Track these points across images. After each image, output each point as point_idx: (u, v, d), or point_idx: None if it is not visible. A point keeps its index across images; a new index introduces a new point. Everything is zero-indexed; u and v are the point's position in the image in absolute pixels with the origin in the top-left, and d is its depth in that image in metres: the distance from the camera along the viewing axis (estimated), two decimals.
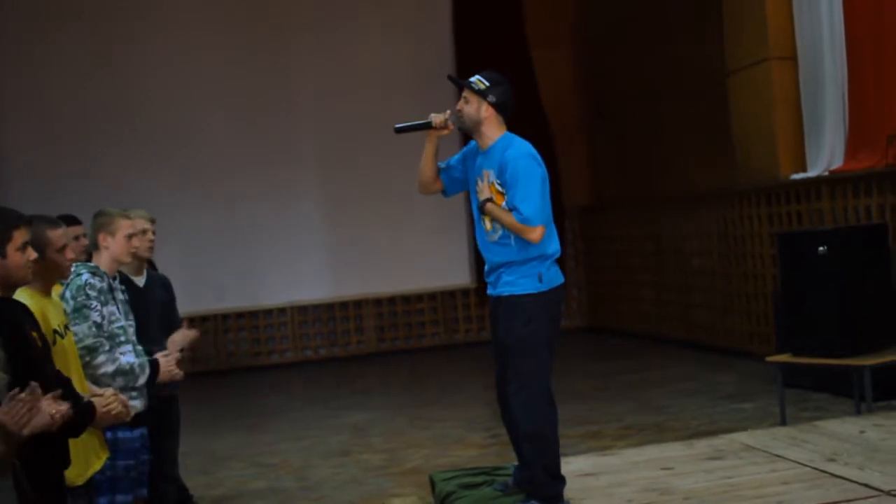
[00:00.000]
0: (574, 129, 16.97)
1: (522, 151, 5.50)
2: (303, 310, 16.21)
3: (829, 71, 10.90)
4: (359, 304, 16.38)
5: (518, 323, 5.43)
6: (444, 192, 5.94)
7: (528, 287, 5.45)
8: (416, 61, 16.38)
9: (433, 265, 16.34)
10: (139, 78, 15.48)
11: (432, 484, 6.43)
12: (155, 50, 15.58)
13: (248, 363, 15.81)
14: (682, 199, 13.90)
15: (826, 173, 10.79)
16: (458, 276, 16.55)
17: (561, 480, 5.48)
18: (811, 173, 11.06)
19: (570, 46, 17.23)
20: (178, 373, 5.45)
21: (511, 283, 5.47)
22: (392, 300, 16.49)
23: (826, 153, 10.93)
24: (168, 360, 5.39)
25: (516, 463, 5.96)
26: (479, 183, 5.56)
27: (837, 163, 10.79)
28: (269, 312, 16.10)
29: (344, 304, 16.32)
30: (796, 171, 11.34)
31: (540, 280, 5.45)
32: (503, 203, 5.44)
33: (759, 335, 11.93)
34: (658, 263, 14.76)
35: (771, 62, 11.63)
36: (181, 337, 6.08)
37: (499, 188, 5.46)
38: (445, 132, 5.66)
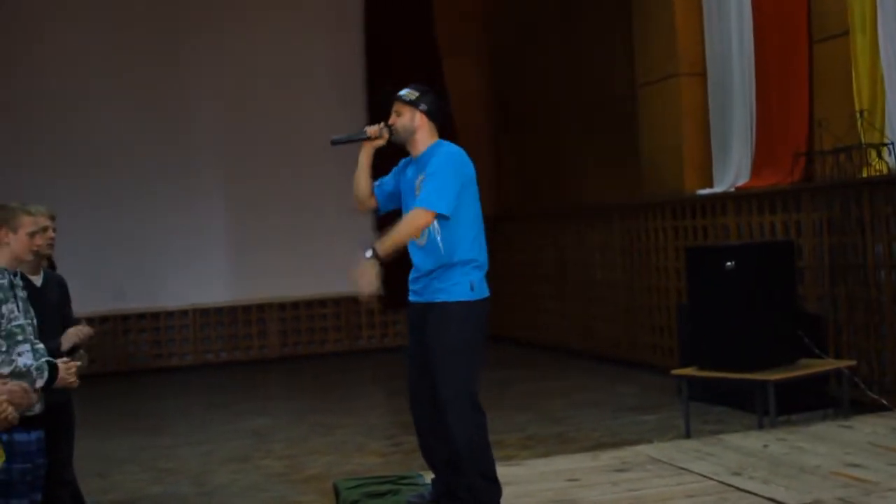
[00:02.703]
0: (481, 139, 16.95)
1: (450, 150, 5.54)
2: (205, 312, 16.03)
3: (738, 88, 11.03)
4: (262, 307, 16.23)
5: (450, 330, 5.38)
6: (378, 210, 5.89)
7: (460, 295, 5.40)
8: (324, 66, 16.35)
9: (337, 270, 16.10)
10: (36, 75, 15.18)
11: (336, 492, 6.34)
12: (53, 47, 15.28)
13: (148, 365, 15.58)
14: (587, 211, 13.97)
15: (732, 189, 10.91)
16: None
17: (497, 484, 5.43)
18: (717, 189, 11.18)
19: (480, 56, 17.29)
20: (74, 381, 5.25)
21: (444, 290, 5.41)
22: (295, 305, 16.37)
23: (732, 169, 11.04)
24: (68, 367, 5.21)
25: (423, 472, 5.89)
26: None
27: (743, 179, 10.91)
28: (170, 314, 15.88)
29: (247, 308, 16.16)
30: (702, 187, 11.46)
31: (472, 288, 5.41)
32: None
33: (661, 348, 12.02)
34: (561, 275, 14.81)
35: (680, 77, 11.73)
36: (75, 332, 5.93)
37: (419, 183, 5.45)
38: (380, 142, 5.63)
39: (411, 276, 5.59)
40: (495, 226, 16.63)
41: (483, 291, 5.49)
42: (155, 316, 15.81)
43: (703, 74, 11.66)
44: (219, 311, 16.10)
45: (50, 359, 5.08)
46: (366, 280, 5.15)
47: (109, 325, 15.37)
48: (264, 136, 15.94)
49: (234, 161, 15.99)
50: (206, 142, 15.90)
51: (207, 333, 16.09)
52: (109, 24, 15.57)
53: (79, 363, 5.31)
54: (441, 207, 5.34)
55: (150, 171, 15.56)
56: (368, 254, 5.16)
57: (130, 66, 15.53)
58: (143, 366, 15.50)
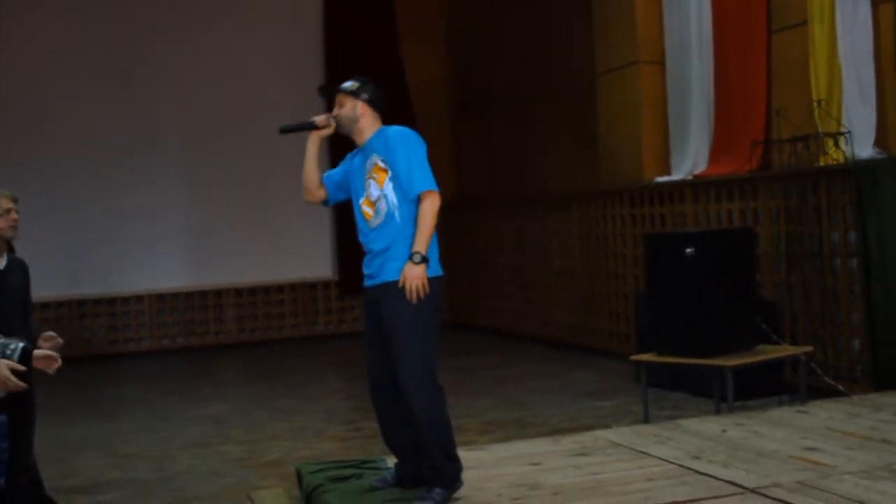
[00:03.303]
0: (440, 124, 17.01)
1: (401, 129, 5.60)
2: (161, 298, 15.97)
3: (696, 77, 11.12)
4: (218, 293, 16.20)
5: (405, 307, 5.39)
6: (327, 201, 5.94)
7: None
8: (284, 50, 16.35)
9: (295, 256, 16.25)
10: None
11: (299, 476, 6.34)
12: (13, 29, 15.17)
13: (104, 350, 15.49)
14: (546, 198, 14.02)
15: (690, 177, 10.99)
16: (320, 268, 16.48)
17: (458, 462, 5.46)
18: (675, 176, 11.26)
19: (440, 41, 17.35)
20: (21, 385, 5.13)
21: (399, 269, 5.43)
22: (252, 291, 16.36)
23: (690, 157, 11.14)
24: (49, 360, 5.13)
25: (385, 457, 5.91)
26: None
27: (701, 167, 11.01)
28: (126, 300, 15.81)
29: (203, 294, 16.13)
30: (661, 174, 11.55)
31: (427, 265, 5.44)
32: (386, 177, 5.46)
33: (618, 334, 12.10)
34: (520, 261, 14.86)
35: (639, 65, 11.81)
36: (52, 344, 5.88)
37: (382, 165, 5.48)
38: (328, 131, 5.73)
39: (364, 261, 5.61)
40: (455, 211, 16.77)
41: (436, 269, 5.52)
42: (111, 301, 15.74)
43: (662, 63, 11.75)
44: (175, 296, 16.05)
45: (26, 343, 5.04)
46: (418, 280, 5.34)
47: (65, 311, 15.29)
48: (222, 122, 15.91)
49: (193, 146, 15.94)
50: (165, 126, 15.83)
51: (164, 319, 16.04)
52: (67, 4, 15.45)
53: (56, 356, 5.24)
54: (435, 185, 5.45)
55: (107, 154, 15.47)
56: (417, 259, 5.34)
57: (89, 48, 15.46)
58: (99, 351, 15.40)
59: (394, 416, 5.55)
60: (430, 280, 5.43)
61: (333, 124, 5.72)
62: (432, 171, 5.51)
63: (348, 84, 5.72)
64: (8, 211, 5.69)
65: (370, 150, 5.58)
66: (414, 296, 5.31)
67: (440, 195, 5.45)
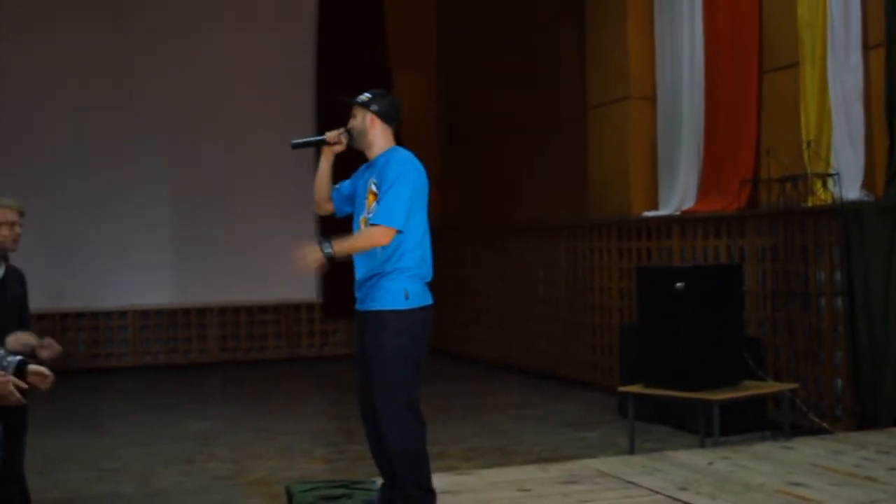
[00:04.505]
0: (428, 152, 16.95)
1: (403, 157, 5.62)
2: (144, 314, 15.97)
3: (687, 113, 11.23)
4: (202, 311, 16.20)
5: (383, 337, 5.46)
6: (335, 213, 6.01)
7: (394, 303, 5.48)
8: (276, 72, 16.39)
9: (279, 277, 16.21)
10: None
11: (289, 495, 6.39)
12: None
13: (86, 365, 15.46)
14: (532, 229, 14.10)
15: (678, 213, 11.09)
16: (304, 290, 16.49)
17: (432, 495, 5.52)
18: (663, 212, 11.36)
19: (430, 70, 17.46)
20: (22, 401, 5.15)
21: (378, 299, 5.49)
22: (236, 310, 16.37)
23: (679, 193, 11.23)
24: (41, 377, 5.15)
25: (375, 479, 5.97)
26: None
27: (689, 203, 11.10)
28: (108, 315, 15.80)
29: (187, 311, 16.13)
30: (648, 209, 11.64)
31: (406, 297, 5.48)
32: (374, 202, 5.52)
33: (602, 366, 12.17)
34: (503, 290, 14.92)
35: (630, 101, 11.92)
36: (50, 353, 5.92)
37: (374, 189, 5.55)
38: (339, 148, 5.79)
39: (355, 284, 5.68)
40: (440, 238, 16.76)
41: (420, 300, 5.54)
42: (94, 315, 15.73)
43: (652, 99, 11.85)
44: (158, 313, 16.05)
45: (21, 358, 5.05)
46: (309, 258, 5.38)
47: (47, 324, 15.22)
48: (210, 140, 15.95)
49: (179, 163, 15.96)
50: (152, 142, 15.84)
51: (146, 335, 16.03)
52: (54, 16, 15.49)
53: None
54: (398, 223, 5.45)
55: (92, 168, 15.48)
56: (325, 248, 5.36)
57: (76, 61, 15.48)
58: (81, 366, 15.36)
59: (377, 439, 5.61)
60: (410, 311, 5.49)
61: (345, 140, 5.77)
62: (420, 207, 5.55)
63: (362, 96, 5.75)
64: (13, 224, 5.74)
65: (377, 168, 5.63)
66: (295, 266, 5.43)
67: (391, 232, 5.44)
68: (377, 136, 5.71)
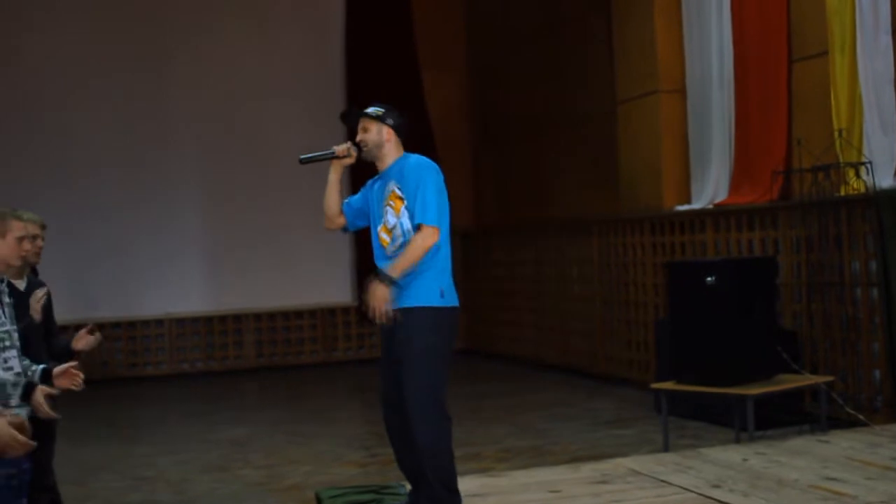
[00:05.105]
0: (460, 153, 17.07)
1: (421, 160, 5.70)
2: (181, 322, 15.98)
3: (717, 106, 11.11)
4: (238, 318, 16.20)
5: (419, 335, 5.46)
6: (346, 228, 6.03)
7: (430, 300, 5.53)
8: (306, 76, 16.36)
9: (314, 282, 16.27)
10: (14, 83, 15.11)
11: (318, 501, 6.36)
12: (33, 56, 15.25)
13: (124, 374, 15.49)
14: (565, 226, 14.02)
15: (710, 206, 10.98)
16: (339, 293, 16.48)
17: (458, 495, 5.50)
18: (696, 205, 11.26)
19: (460, 69, 17.38)
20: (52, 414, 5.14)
21: (413, 297, 5.50)
22: (272, 315, 16.35)
23: (711, 186, 11.13)
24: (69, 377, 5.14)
25: (404, 483, 5.94)
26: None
27: (722, 196, 10.99)
28: (145, 323, 15.83)
29: (223, 318, 16.13)
30: (681, 203, 11.54)
31: (441, 295, 5.55)
32: (402, 205, 5.51)
33: (638, 362, 12.07)
34: (538, 289, 14.85)
35: (660, 94, 11.81)
36: (85, 343, 5.96)
37: (398, 192, 5.55)
38: (349, 161, 5.83)
39: None
40: (474, 238, 16.80)
41: (453, 299, 5.62)
42: (131, 325, 15.75)
43: (682, 91, 11.75)
44: (195, 320, 16.05)
45: (45, 365, 5.06)
46: (381, 299, 5.39)
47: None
48: (243, 148, 15.95)
49: (213, 171, 15.98)
50: (186, 151, 15.88)
51: (183, 343, 16.05)
52: (91, 35, 15.54)
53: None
54: (436, 220, 5.51)
55: (128, 179, 15.53)
56: (386, 281, 5.42)
57: (112, 75, 15.50)
58: (118, 374, 15.41)
59: (404, 442, 5.59)
60: (445, 308, 5.51)
61: (354, 153, 5.81)
62: (445, 205, 5.59)
63: (373, 109, 5.79)
64: (35, 237, 5.73)
65: (389, 176, 5.67)
66: (376, 315, 5.39)
67: (436, 231, 5.49)
68: (392, 148, 5.76)
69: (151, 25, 15.81)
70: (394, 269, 5.42)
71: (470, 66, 17.45)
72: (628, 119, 12.38)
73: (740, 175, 10.80)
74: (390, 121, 5.74)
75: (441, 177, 5.65)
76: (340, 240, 15.39)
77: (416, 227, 5.48)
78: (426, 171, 5.60)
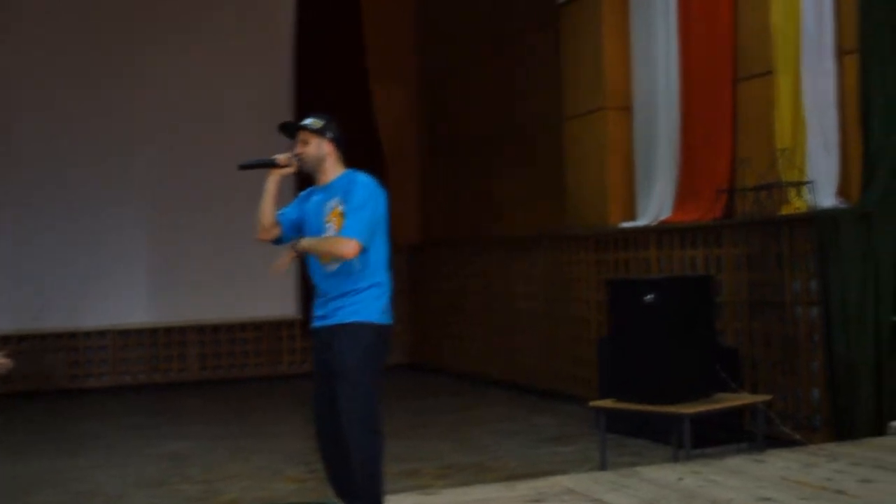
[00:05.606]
0: (409, 166, 17.09)
1: (368, 180, 5.67)
2: (124, 334, 15.84)
3: (663, 123, 11.16)
4: (182, 330, 16.08)
5: (355, 350, 5.44)
6: (280, 239, 5.95)
7: (369, 316, 5.53)
8: (254, 88, 16.26)
9: (259, 295, 16.14)
10: None
11: None
12: None
13: (65, 386, 15.34)
14: (511, 242, 14.02)
15: (655, 223, 11.01)
16: (284, 307, 16.39)
17: None
18: (640, 222, 11.28)
19: (411, 83, 17.38)
20: None
21: (355, 312, 5.49)
22: (216, 328, 16.25)
23: (656, 203, 11.16)
24: None
25: (336, 500, 5.90)
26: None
27: (666, 213, 11.03)
28: (87, 335, 15.68)
29: (167, 330, 16.01)
30: (626, 220, 11.56)
31: (381, 312, 5.54)
32: (343, 224, 5.49)
33: (582, 379, 12.06)
34: (485, 303, 14.83)
35: (607, 111, 11.84)
36: None
37: (341, 209, 5.53)
38: (289, 171, 5.78)
39: (317, 303, 5.65)
40: (422, 252, 16.77)
41: (389, 317, 5.58)
42: (73, 336, 15.60)
43: (629, 109, 11.78)
44: (138, 332, 15.92)
45: None
46: (280, 261, 5.57)
47: (26, 345, 15.13)
48: (189, 159, 15.85)
49: (158, 182, 15.87)
50: (130, 161, 15.75)
51: (126, 355, 15.90)
52: (31, 44, 15.39)
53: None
54: (364, 238, 5.47)
55: (71, 188, 15.39)
56: (297, 246, 5.56)
57: (54, 84, 15.36)
58: (60, 386, 15.25)
59: (336, 457, 5.56)
60: (383, 326, 5.49)
61: (295, 164, 5.74)
62: (383, 230, 5.64)
63: (311, 121, 5.74)
64: None
65: (333, 191, 5.62)
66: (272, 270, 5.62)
67: (356, 247, 5.46)
68: (333, 163, 5.74)
69: (94, 33, 15.67)
70: (308, 241, 5.59)
71: (420, 80, 17.44)
72: (575, 135, 12.39)
73: (685, 193, 10.84)
74: (330, 134, 5.71)
75: (385, 202, 5.66)
76: (284, 252, 15.28)
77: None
78: (372, 197, 5.58)
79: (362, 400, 5.44)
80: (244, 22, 16.44)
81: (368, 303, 5.53)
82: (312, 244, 5.55)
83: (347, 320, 5.49)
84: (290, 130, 5.83)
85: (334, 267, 5.55)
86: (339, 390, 5.45)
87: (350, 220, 5.47)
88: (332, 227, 5.57)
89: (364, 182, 5.62)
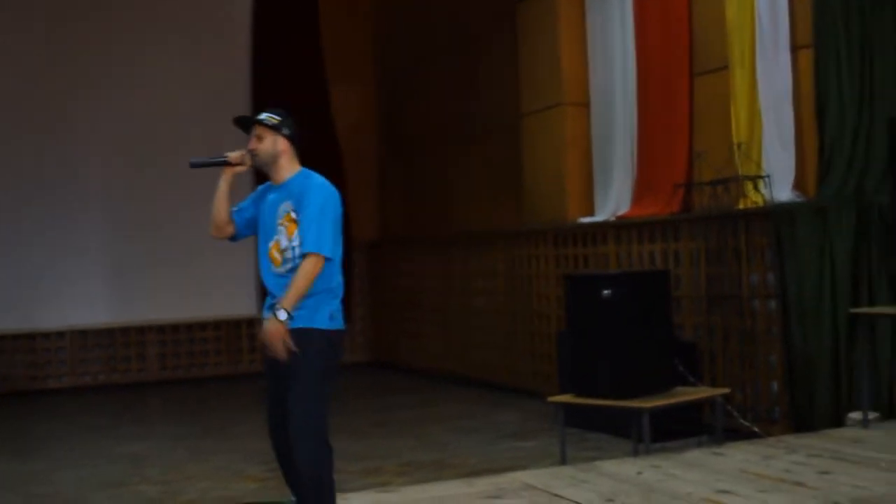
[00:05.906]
0: (367, 165, 17.08)
1: (322, 183, 5.54)
2: (82, 334, 15.73)
3: (620, 119, 11.20)
4: (141, 330, 15.98)
5: (307, 357, 5.35)
6: (234, 237, 5.85)
7: (319, 322, 5.40)
8: (211, 89, 16.13)
9: (218, 293, 16.06)
10: None
11: None
12: None
13: (24, 387, 15.21)
14: (470, 238, 14.03)
15: (613, 218, 11.04)
16: (244, 305, 16.28)
17: None
18: (598, 218, 11.31)
19: (369, 83, 17.37)
20: None
21: (303, 317, 5.36)
22: (175, 327, 16.16)
23: (613, 199, 11.20)
24: None
25: (293, 499, 5.88)
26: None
27: (624, 208, 11.07)
28: (46, 336, 15.56)
29: (125, 330, 15.90)
30: (584, 215, 11.59)
31: (330, 318, 5.43)
32: (295, 231, 5.41)
33: (542, 374, 12.09)
34: (444, 301, 14.83)
35: (564, 107, 11.86)
36: None
37: (293, 216, 5.42)
38: (242, 169, 5.64)
39: (267, 303, 5.54)
40: (381, 250, 16.75)
41: (340, 322, 5.51)
42: (30, 337, 15.48)
43: (586, 104, 11.81)
44: (97, 332, 15.81)
45: None
46: (277, 335, 5.24)
47: None
48: (146, 158, 15.71)
49: (116, 181, 15.74)
50: (88, 160, 15.61)
51: (85, 355, 15.79)
52: None
53: None
54: (328, 250, 5.37)
55: (26, 189, 15.25)
56: (282, 316, 5.23)
57: (7, 81, 15.23)
58: (18, 388, 15.13)
59: (288, 458, 5.52)
60: (333, 331, 5.42)
61: (248, 161, 5.64)
62: (339, 233, 5.48)
63: (266, 116, 5.63)
64: None
65: (286, 192, 5.52)
66: (277, 352, 5.26)
67: (324, 260, 5.36)
68: (288, 161, 5.62)
69: (51, 31, 15.54)
70: (287, 301, 5.26)
71: (377, 80, 17.42)
72: (532, 132, 12.41)
73: (642, 187, 10.87)
74: (286, 131, 5.58)
75: (340, 204, 5.54)
76: (245, 251, 15.21)
77: (306, 255, 5.35)
78: (327, 201, 5.46)
79: (314, 407, 5.37)
80: (201, 23, 16.33)
81: (318, 308, 5.41)
82: (294, 297, 5.29)
83: (295, 325, 5.39)
84: (246, 125, 5.74)
85: (284, 270, 5.45)
86: (289, 395, 5.40)
87: (311, 231, 5.35)
88: (283, 231, 5.48)
89: (318, 185, 5.50)
